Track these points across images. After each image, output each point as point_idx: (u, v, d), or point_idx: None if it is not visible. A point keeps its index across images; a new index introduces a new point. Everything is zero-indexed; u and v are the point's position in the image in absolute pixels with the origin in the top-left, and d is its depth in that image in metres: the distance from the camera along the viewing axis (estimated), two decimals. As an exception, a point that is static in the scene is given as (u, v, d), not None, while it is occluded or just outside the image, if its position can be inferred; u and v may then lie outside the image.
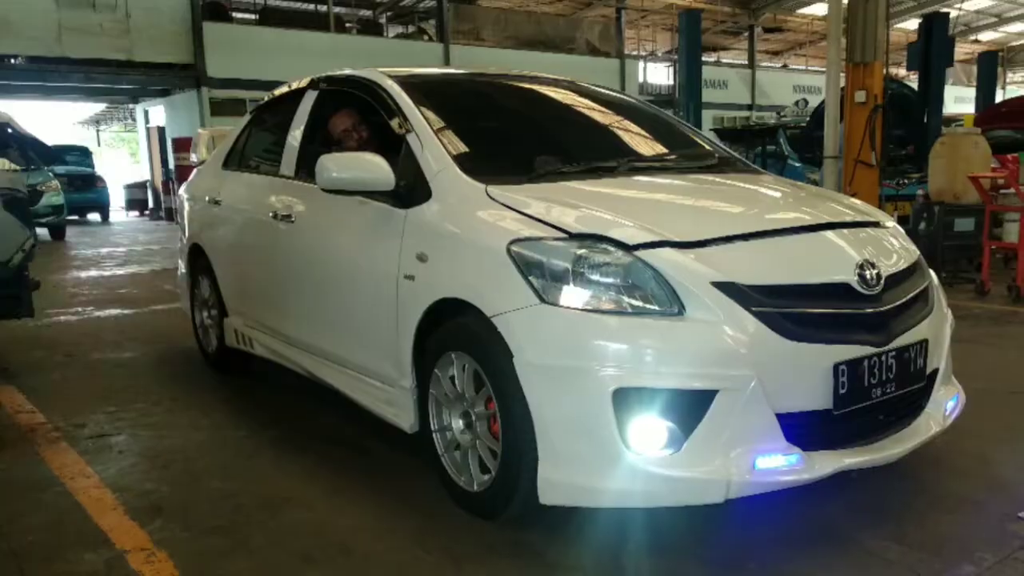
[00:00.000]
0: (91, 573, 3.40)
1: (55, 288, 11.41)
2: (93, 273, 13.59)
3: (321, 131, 5.30)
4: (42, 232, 17.98)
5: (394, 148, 4.36)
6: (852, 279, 3.49)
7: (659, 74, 41.04)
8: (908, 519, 3.70)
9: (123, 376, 6.61)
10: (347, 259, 4.57)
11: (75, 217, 25.81)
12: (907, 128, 16.32)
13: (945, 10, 18.98)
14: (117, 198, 31.88)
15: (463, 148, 4.30)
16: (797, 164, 16.03)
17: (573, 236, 3.42)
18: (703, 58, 30.70)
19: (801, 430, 3.29)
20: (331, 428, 5.09)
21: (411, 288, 3.96)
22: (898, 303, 3.65)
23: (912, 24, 30.51)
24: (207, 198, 6.50)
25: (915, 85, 18.16)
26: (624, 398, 3.15)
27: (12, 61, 23.85)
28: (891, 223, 4.31)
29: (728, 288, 3.26)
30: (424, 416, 4.04)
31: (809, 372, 3.31)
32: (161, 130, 30.94)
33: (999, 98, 33.07)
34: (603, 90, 5.72)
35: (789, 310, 3.32)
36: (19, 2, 22.88)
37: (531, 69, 6.06)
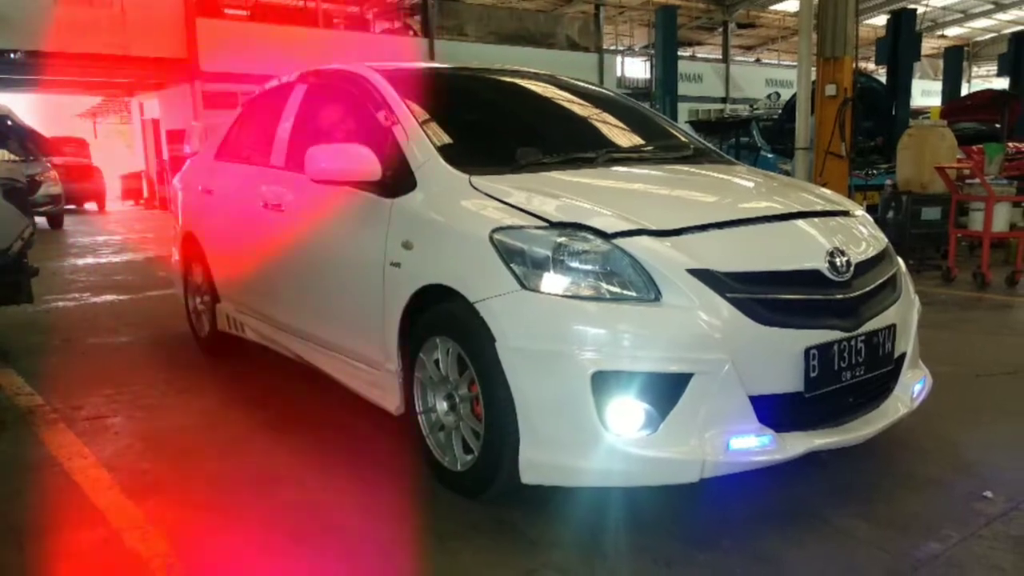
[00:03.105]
0: (88, 550, 3.39)
1: (53, 275, 11.35)
2: (90, 260, 13.52)
3: (310, 123, 5.28)
4: (40, 221, 17.85)
5: (380, 140, 4.34)
6: (823, 266, 3.50)
7: (636, 68, 41.02)
8: (876, 498, 3.72)
9: (119, 360, 6.58)
10: (335, 247, 4.55)
11: (72, 206, 25.66)
12: (876, 120, 16.36)
13: (912, 6, 19.02)
14: (113, 188, 31.71)
15: (447, 140, 4.28)
16: (769, 155, 16.04)
17: (553, 224, 3.42)
18: (679, 53, 30.75)
19: (773, 412, 3.30)
20: (320, 410, 5.07)
21: (397, 275, 3.95)
22: (867, 289, 3.66)
23: (881, 20, 30.51)
24: (200, 188, 6.48)
25: (883, 79, 18.18)
26: (603, 381, 3.15)
27: (11, 56, 23.66)
28: (860, 212, 4.31)
29: (703, 275, 3.26)
30: (409, 398, 4.04)
31: (781, 356, 3.31)
32: (156, 122, 30.81)
33: (964, 91, 33.15)
34: (582, 84, 5.70)
35: (762, 296, 3.32)
36: (18, -2, 22.83)
37: (513, 63, 6.04)
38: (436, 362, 3.82)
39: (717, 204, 3.98)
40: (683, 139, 5.21)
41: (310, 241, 4.81)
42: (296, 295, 5.07)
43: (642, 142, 5.13)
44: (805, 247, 3.63)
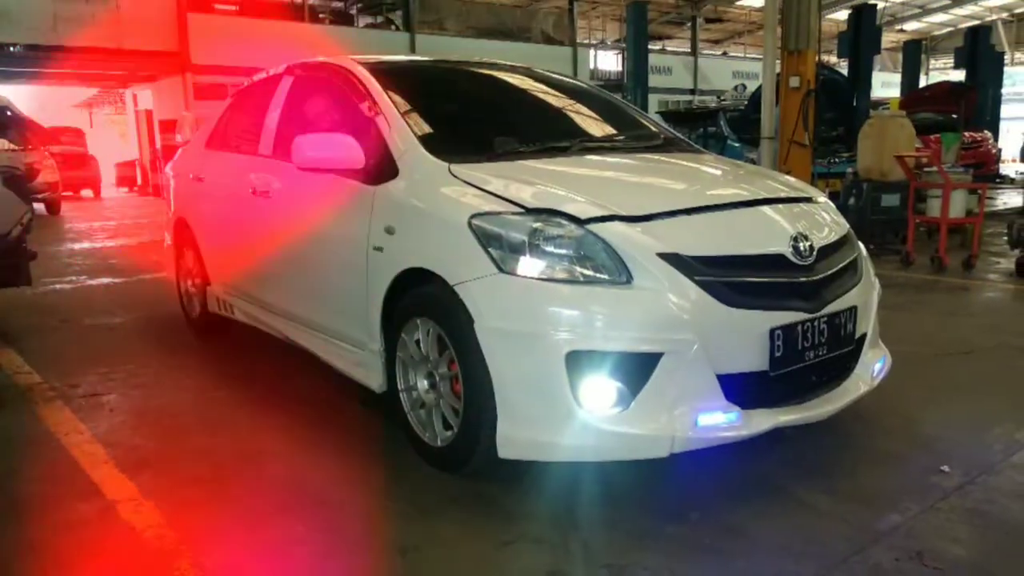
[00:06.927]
0: (84, 521, 3.37)
1: (51, 259, 11.26)
2: (86, 245, 13.42)
3: (297, 114, 5.24)
4: (39, 207, 17.74)
5: (364, 130, 4.32)
6: (787, 250, 3.50)
7: (609, 61, 41.05)
8: (838, 472, 3.73)
9: (114, 340, 6.55)
10: (320, 232, 4.52)
11: (69, 193, 25.49)
12: (838, 111, 16.37)
13: (873, 2, 19.03)
14: (108, 176, 31.56)
15: (428, 129, 4.26)
16: (736, 144, 16.04)
17: (529, 211, 3.40)
18: (649, 46, 30.73)
19: (740, 390, 3.30)
20: (306, 388, 5.05)
21: (380, 259, 3.93)
22: (829, 273, 3.66)
23: (843, 15, 30.55)
24: (191, 175, 6.42)
25: (845, 71, 18.21)
26: (576, 360, 3.14)
27: (11, 49, 23.54)
28: (823, 199, 4.31)
29: (672, 259, 3.26)
30: (392, 377, 4.02)
31: (747, 336, 3.31)
32: (149, 113, 30.70)
33: (923, 83, 33.26)
34: (557, 76, 5.68)
35: (729, 279, 3.32)
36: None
37: (490, 56, 6.01)
38: (417, 342, 3.80)
39: (686, 191, 3.97)
40: (653, 129, 5.19)
41: (297, 226, 4.78)
42: (283, 278, 5.04)
43: (614, 132, 5.12)
44: (770, 232, 3.62)
